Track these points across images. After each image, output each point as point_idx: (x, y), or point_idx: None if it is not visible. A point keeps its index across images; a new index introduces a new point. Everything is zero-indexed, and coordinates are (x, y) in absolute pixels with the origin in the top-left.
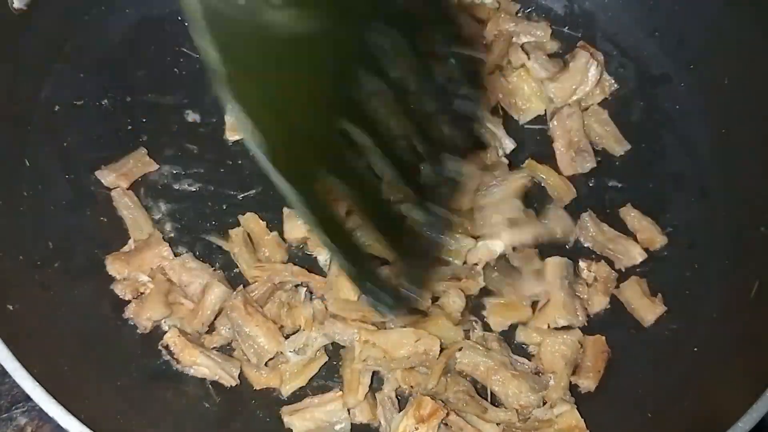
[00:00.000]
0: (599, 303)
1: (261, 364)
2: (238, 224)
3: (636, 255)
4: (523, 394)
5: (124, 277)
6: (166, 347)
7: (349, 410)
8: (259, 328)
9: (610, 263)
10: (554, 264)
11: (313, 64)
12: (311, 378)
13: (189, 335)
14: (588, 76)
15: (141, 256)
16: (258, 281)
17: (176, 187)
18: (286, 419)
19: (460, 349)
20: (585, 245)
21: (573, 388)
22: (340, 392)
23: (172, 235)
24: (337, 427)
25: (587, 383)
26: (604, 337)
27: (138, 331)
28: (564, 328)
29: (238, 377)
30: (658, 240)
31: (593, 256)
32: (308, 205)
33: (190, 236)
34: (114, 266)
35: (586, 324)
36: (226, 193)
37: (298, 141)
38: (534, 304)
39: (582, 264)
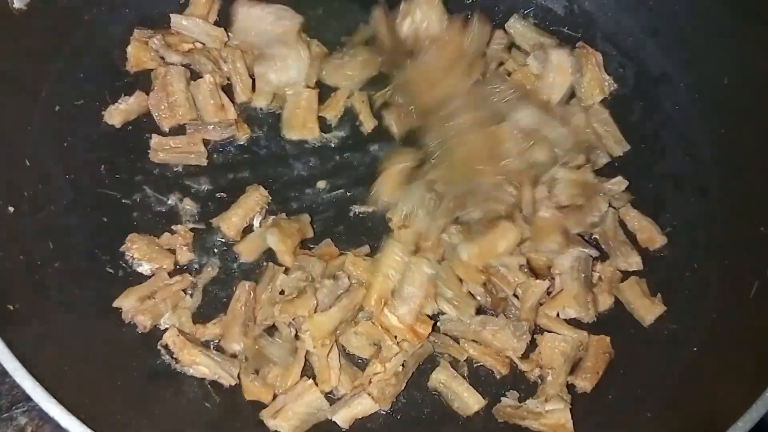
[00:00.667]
0: (603, 303)
1: None
2: None
3: (633, 263)
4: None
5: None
6: (166, 347)
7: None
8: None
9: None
10: (572, 255)
11: None
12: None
13: (188, 335)
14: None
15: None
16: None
17: (187, 183)
18: (270, 423)
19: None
20: (593, 236)
21: (570, 388)
22: (308, 380)
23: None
24: (321, 413)
25: (584, 384)
26: (608, 339)
27: (138, 331)
28: (572, 323)
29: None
30: (658, 240)
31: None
32: None
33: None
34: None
35: (595, 320)
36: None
37: None
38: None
39: None
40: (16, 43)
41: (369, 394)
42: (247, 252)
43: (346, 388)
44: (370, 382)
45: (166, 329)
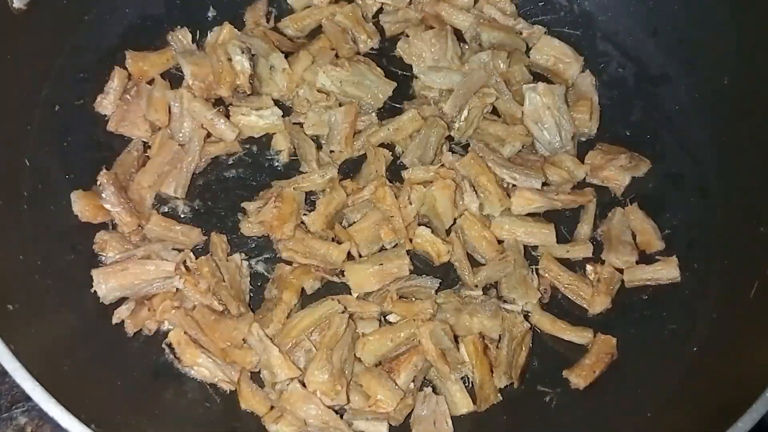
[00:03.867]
0: (601, 303)
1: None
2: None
3: (627, 263)
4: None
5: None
6: (170, 346)
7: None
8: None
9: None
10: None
11: None
12: None
13: (192, 335)
14: None
15: None
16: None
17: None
18: (272, 428)
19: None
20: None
21: (564, 382)
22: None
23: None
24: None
25: (577, 381)
26: (614, 340)
27: (142, 333)
28: (577, 322)
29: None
30: (656, 245)
31: (594, 259)
32: None
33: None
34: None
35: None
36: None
37: None
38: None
39: (588, 267)
40: (16, 43)
41: (389, 422)
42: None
43: (361, 406)
44: None
45: (170, 330)
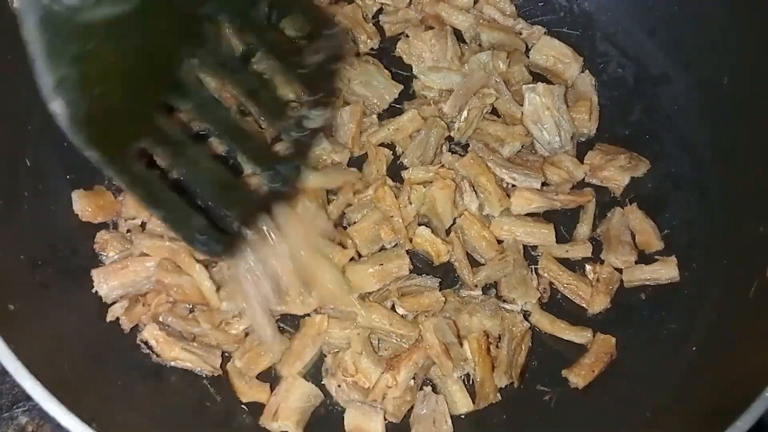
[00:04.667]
0: (601, 303)
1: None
2: None
3: (625, 263)
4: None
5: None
6: (146, 343)
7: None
8: None
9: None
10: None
11: (131, 44)
12: None
13: (170, 329)
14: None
15: None
16: None
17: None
18: (273, 426)
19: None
20: (598, 233)
21: (563, 382)
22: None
23: None
24: (315, 399)
25: (576, 380)
26: (614, 339)
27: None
28: (575, 321)
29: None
30: (655, 245)
31: (595, 258)
32: (122, 172)
33: None
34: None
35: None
36: None
37: (115, 118)
38: None
39: (588, 267)
40: (16, 43)
41: (384, 411)
42: None
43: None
44: (384, 397)
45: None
